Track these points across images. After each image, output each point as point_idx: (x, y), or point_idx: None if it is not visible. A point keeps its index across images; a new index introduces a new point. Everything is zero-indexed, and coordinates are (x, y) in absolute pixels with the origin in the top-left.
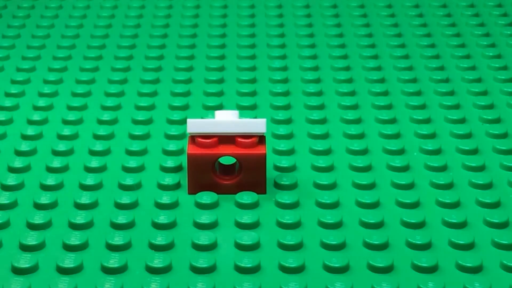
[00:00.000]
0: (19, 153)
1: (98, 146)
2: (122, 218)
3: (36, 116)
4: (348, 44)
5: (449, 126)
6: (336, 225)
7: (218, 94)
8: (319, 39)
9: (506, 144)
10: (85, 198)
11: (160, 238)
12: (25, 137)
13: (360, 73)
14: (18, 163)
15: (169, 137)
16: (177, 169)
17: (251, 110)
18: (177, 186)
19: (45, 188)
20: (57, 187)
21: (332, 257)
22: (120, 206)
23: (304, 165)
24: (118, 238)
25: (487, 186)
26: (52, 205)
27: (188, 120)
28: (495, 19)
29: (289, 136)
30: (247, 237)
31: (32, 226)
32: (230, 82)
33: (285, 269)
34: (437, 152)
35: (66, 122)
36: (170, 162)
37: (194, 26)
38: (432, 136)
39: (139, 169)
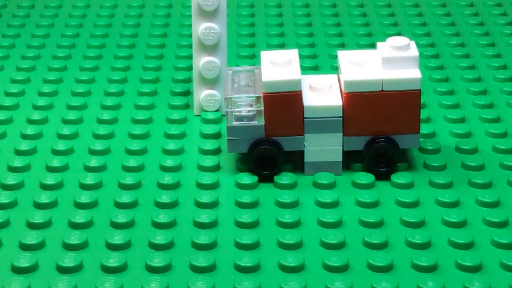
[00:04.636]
0: (19, 153)
1: (98, 145)
2: (122, 217)
3: (36, 116)
4: (348, 44)
5: (448, 126)
6: (336, 224)
7: None
8: (318, 39)
9: (506, 143)
10: (85, 197)
11: (160, 237)
12: (25, 137)
13: None
14: (18, 162)
15: (169, 136)
16: (177, 168)
17: None
18: (176, 185)
19: (45, 187)
20: (57, 186)
21: (332, 256)
22: (120, 205)
23: None
24: (118, 237)
25: (487, 186)
26: (52, 204)
27: None
28: (494, 18)
29: None
30: (246, 236)
31: (32, 225)
32: None
33: (284, 268)
34: (436, 151)
35: (66, 122)
36: (169, 162)
37: None
38: (431, 135)
39: (139, 168)
